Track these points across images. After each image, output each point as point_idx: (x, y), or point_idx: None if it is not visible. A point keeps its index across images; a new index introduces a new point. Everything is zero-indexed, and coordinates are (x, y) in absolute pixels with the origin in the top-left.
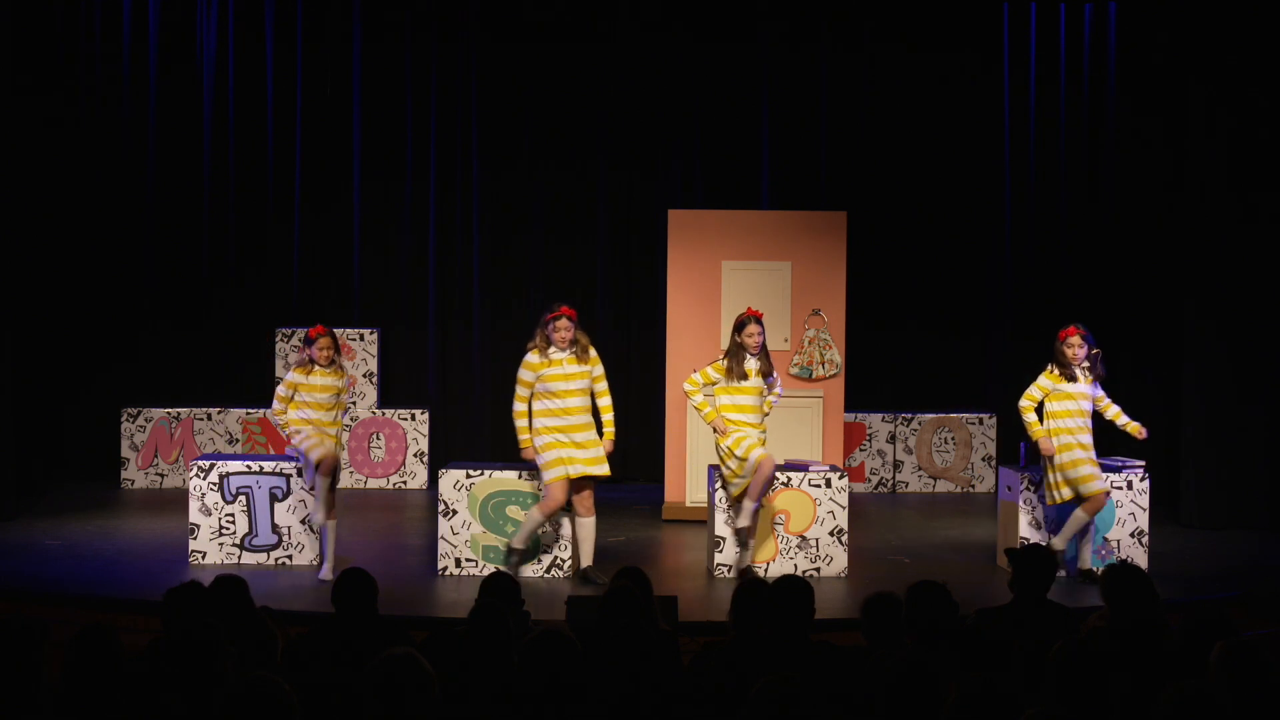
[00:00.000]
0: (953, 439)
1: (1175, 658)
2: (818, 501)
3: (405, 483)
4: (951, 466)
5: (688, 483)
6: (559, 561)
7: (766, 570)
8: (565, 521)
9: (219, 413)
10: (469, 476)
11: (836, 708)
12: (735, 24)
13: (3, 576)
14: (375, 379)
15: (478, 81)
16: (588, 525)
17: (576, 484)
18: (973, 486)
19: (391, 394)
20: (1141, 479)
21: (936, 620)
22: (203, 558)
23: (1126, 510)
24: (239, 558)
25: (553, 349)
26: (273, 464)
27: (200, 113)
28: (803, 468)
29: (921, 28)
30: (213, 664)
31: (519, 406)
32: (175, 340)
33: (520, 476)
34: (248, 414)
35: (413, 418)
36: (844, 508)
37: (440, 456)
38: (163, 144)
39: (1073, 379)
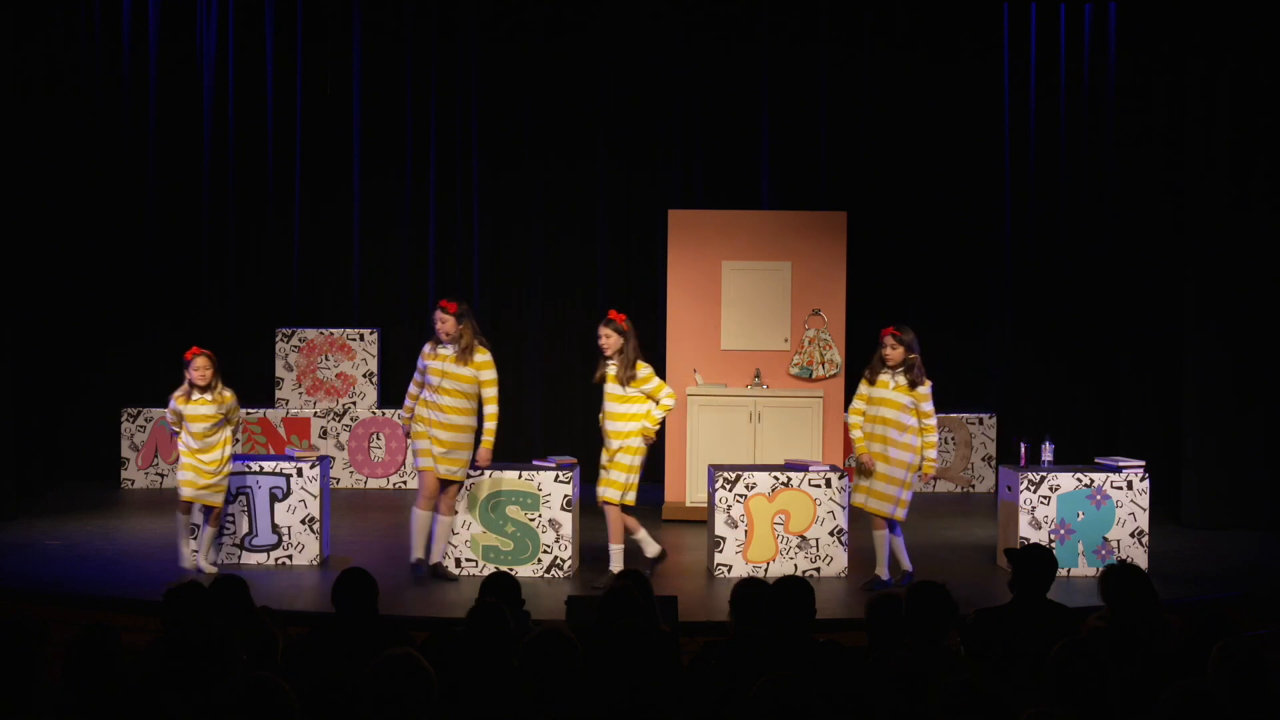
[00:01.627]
0: (953, 439)
1: (1175, 658)
2: (818, 501)
3: (405, 483)
4: (951, 466)
5: (688, 483)
6: (559, 561)
7: (766, 570)
8: (564, 521)
9: None
10: (469, 476)
11: (836, 708)
12: (735, 24)
13: (3, 576)
14: (375, 379)
15: (477, 80)
16: (444, 524)
17: (442, 481)
18: (973, 486)
19: (391, 394)
20: (1141, 479)
21: (936, 620)
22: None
23: (1126, 510)
24: (239, 558)
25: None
26: (273, 464)
27: (200, 112)
28: (802, 468)
29: (922, 27)
30: (217, 663)
31: (410, 389)
32: (175, 340)
33: (520, 476)
34: (248, 414)
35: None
36: (844, 508)
37: None
38: (163, 143)
39: (878, 381)
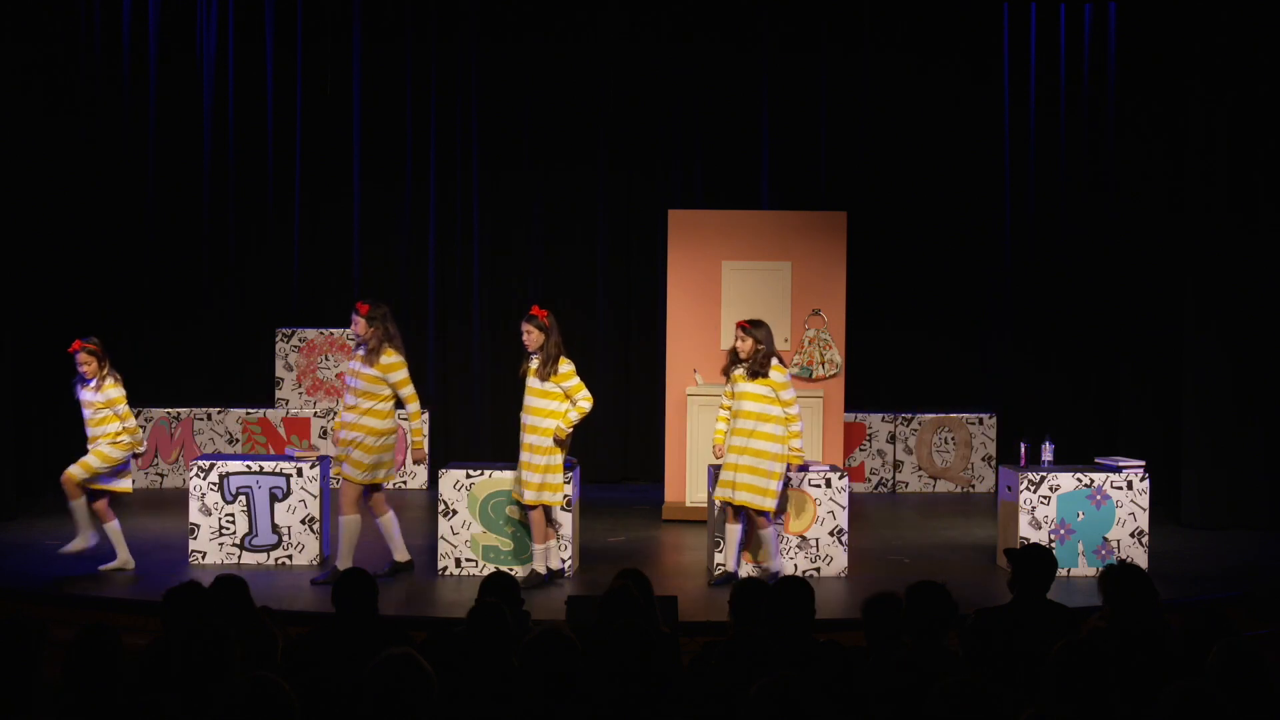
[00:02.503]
0: (953, 439)
1: (1175, 658)
2: (818, 501)
3: (405, 483)
4: (951, 466)
5: (688, 483)
6: (559, 561)
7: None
8: (564, 521)
9: (219, 413)
10: (469, 476)
11: (836, 707)
12: (736, 24)
13: (3, 576)
14: None
15: (478, 81)
16: (382, 523)
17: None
18: (973, 486)
19: None
20: (1141, 479)
21: (936, 620)
22: (203, 558)
23: (1126, 510)
24: (239, 558)
25: None
26: (273, 464)
27: (200, 112)
28: (803, 468)
29: (922, 28)
30: (216, 663)
31: None
32: (175, 340)
33: None
34: (248, 414)
35: None
36: (844, 508)
37: (440, 456)
38: (163, 143)
39: (735, 376)
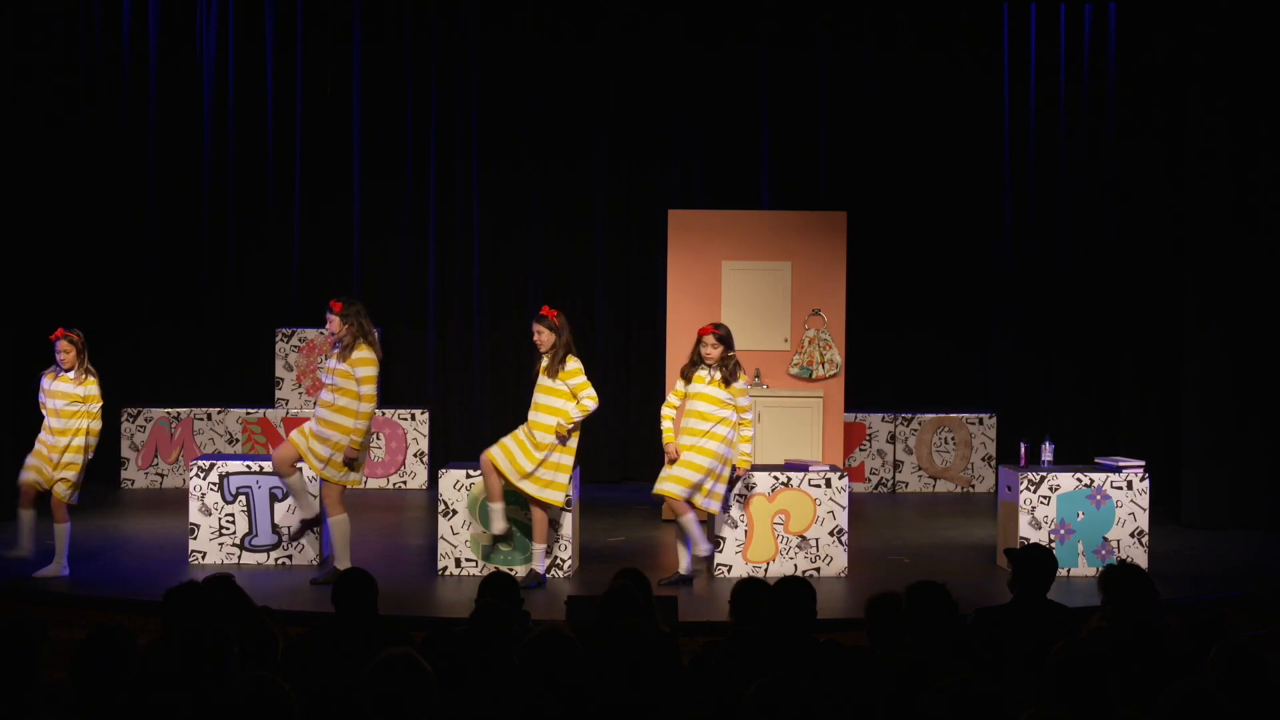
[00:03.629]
0: (953, 439)
1: (1175, 658)
2: (818, 501)
3: (405, 483)
4: (951, 466)
5: None
6: (559, 561)
7: (766, 570)
8: (564, 521)
9: (219, 413)
10: (469, 476)
11: (836, 707)
12: (735, 24)
13: (3, 576)
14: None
15: (477, 80)
16: (332, 525)
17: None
18: (973, 486)
19: (391, 394)
20: (1141, 479)
21: (936, 620)
22: (203, 558)
23: (1126, 510)
24: (239, 558)
25: None
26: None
27: (200, 112)
28: (803, 468)
29: (922, 28)
30: (216, 663)
31: None
32: (175, 340)
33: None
34: (248, 414)
35: (413, 418)
36: (844, 508)
37: (440, 456)
38: (163, 143)
39: (695, 378)
